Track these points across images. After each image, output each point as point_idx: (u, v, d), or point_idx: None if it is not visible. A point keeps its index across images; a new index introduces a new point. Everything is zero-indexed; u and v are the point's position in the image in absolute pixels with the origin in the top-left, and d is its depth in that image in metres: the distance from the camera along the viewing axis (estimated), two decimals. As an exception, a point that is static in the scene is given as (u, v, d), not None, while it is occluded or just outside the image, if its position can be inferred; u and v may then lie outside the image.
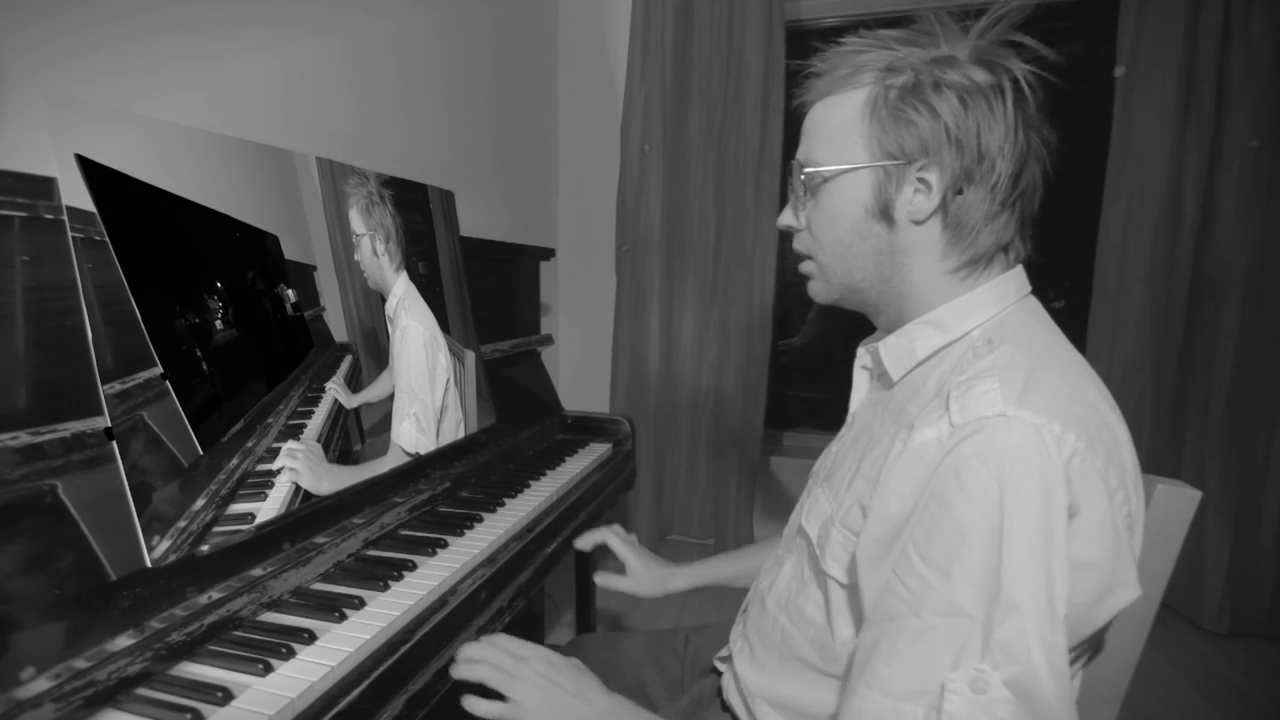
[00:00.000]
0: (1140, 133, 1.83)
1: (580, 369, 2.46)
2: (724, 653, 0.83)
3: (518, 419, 1.41)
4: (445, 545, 0.91)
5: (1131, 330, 1.90)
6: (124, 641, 0.58)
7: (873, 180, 0.61)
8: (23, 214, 0.61)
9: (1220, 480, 1.85)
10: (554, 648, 0.76)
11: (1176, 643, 1.83)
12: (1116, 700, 0.66)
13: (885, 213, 0.62)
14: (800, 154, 0.66)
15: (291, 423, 0.87)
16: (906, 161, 0.59)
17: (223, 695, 0.57)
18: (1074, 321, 2.15)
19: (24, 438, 0.58)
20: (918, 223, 0.61)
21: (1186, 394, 1.90)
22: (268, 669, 0.62)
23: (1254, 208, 1.77)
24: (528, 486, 1.17)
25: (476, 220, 1.70)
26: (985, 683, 0.47)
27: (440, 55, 1.68)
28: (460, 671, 0.67)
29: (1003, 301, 0.62)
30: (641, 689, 0.91)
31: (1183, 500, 0.63)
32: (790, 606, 0.70)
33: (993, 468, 0.49)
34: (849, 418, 0.76)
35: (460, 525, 0.97)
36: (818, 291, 0.70)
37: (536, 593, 1.60)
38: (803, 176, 0.66)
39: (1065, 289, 3.04)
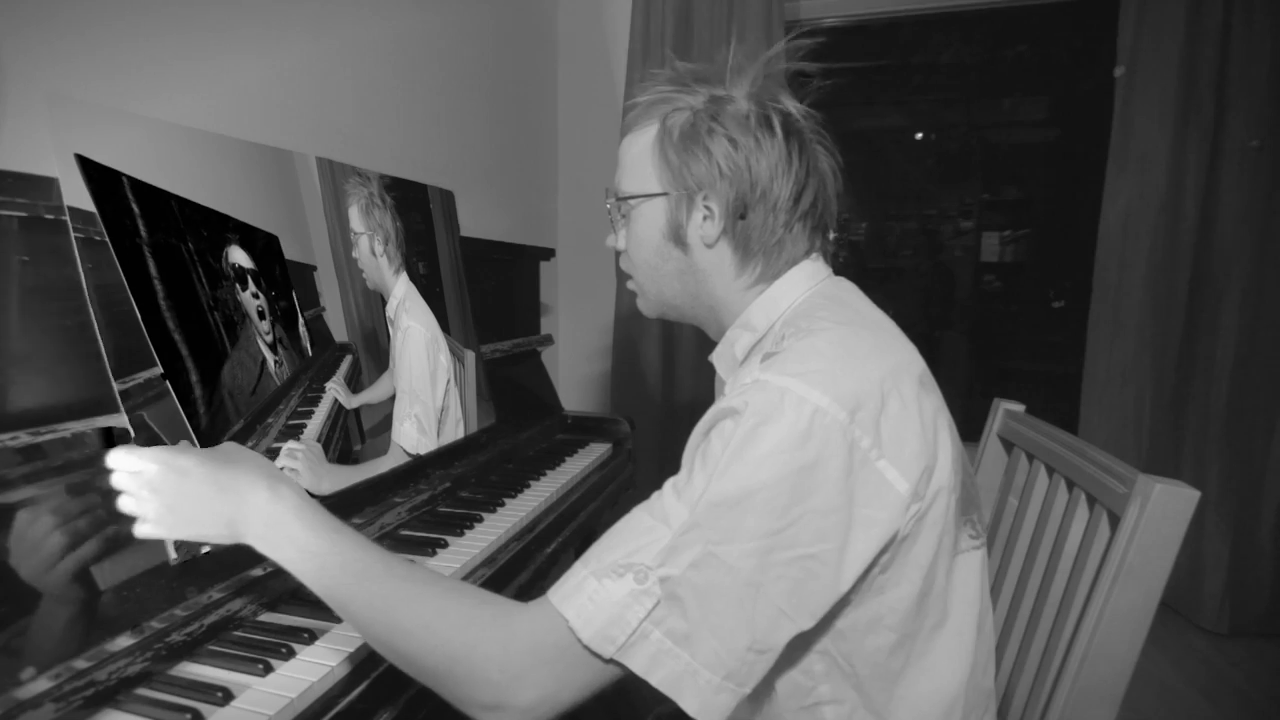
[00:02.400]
0: (1140, 133, 1.83)
1: (580, 369, 2.46)
2: None
3: (518, 419, 1.41)
4: (445, 545, 0.91)
5: (1131, 330, 1.90)
6: (124, 641, 0.58)
7: (666, 207, 0.67)
8: (22, 214, 0.61)
9: (1220, 480, 1.85)
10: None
11: (1176, 643, 1.83)
12: (1116, 700, 0.66)
13: (678, 237, 0.68)
14: (614, 182, 0.73)
15: (291, 423, 0.87)
16: (690, 191, 0.65)
17: (223, 695, 0.57)
18: (1074, 321, 2.15)
19: (24, 438, 0.58)
20: (709, 245, 0.67)
21: (1186, 394, 1.90)
22: (268, 669, 0.62)
23: (1254, 208, 1.77)
24: (528, 486, 1.17)
25: (476, 220, 1.70)
26: (645, 576, 0.50)
27: (440, 55, 1.68)
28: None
29: (795, 291, 0.67)
30: (639, 691, 0.91)
31: (1182, 500, 0.63)
32: None
33: (739, 418, 0.53)
34: None
35: (460, 525, 0.98)
36: (642, 307, 0.77)
37: (536, 593, 1.59)
38: (609, 204, 0.73)
39: (1065, 289, 3.04)
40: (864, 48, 2.57)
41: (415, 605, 0.52)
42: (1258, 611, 1.86)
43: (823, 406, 0.52)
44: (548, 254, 1.79)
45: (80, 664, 0.54)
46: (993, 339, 3.30)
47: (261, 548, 0.55)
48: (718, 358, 0.73)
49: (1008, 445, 0.99)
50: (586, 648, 0.50)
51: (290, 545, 0.54)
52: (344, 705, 0.61)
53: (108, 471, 0.56)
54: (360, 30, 1.39)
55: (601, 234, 0.72)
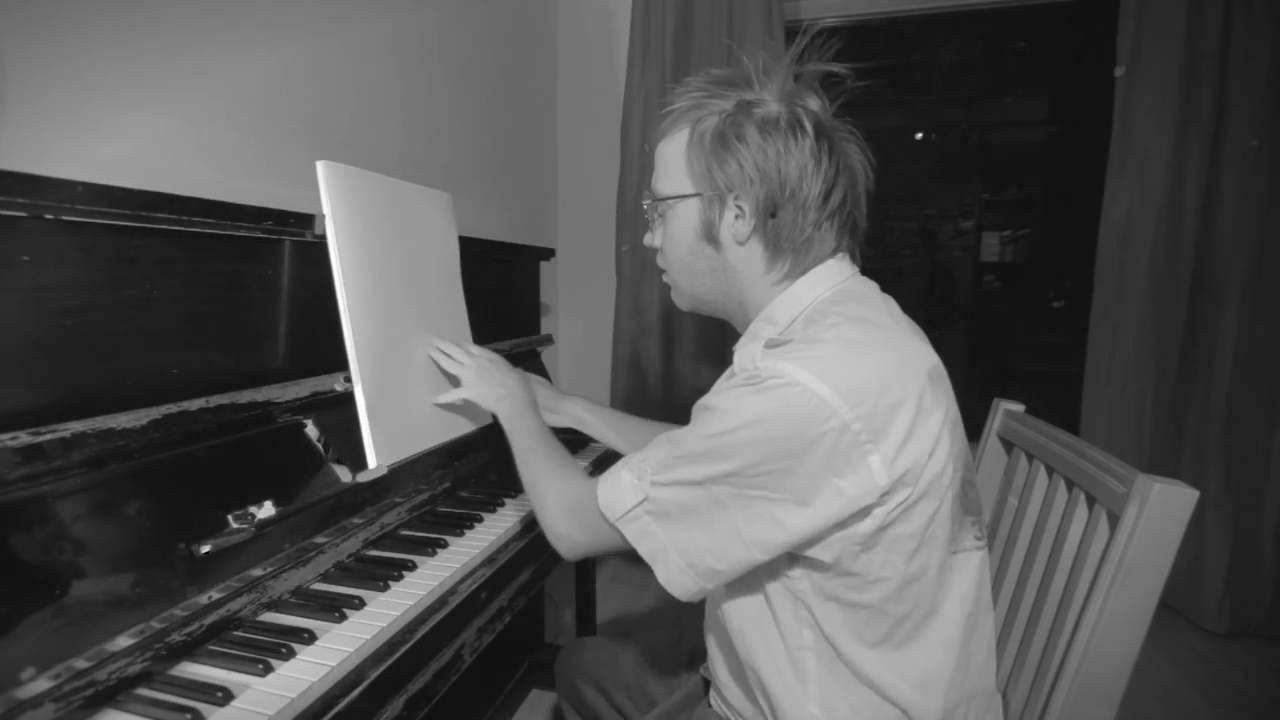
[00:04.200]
0: (1140, 133, 1.83)
1: (580, 369, 2.46)
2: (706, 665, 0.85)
3: (518, 419, 1.40)
4: (445, 545, 0.91)
5: (1132, 330, 1.90)
6: (124, 641, 0.58)
7: (699, 207, 0.71)
8: (23, 214, 0.61)
9: (1220, 480, 1.85)
10: (554, 648, 0.80)
11: (1176, 643, 1.83)
12: (1116, 700, 0.66)
13: (711, 236, 0.71)
14: (651, 184, 0.76)
15: (291, 423, 0.87)
16: (721, 192, 0.69)
17: (223, 695, 0.57)
18: (1074, 321, 2.15)
19: (24, 438, 0.58)
20: (740, 243, 0.70)
21: (1186, 394, 1.90)
22: (268, 669, 0.62)
23: (1254, 208, 1.77)
24: (528, 486, 1.17)
25: (476, 220, 1.70)
26: (643, 476, 0.65)
27: (440, 55, 1.68)
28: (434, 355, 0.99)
29: (818, 288, 0.70)
30: (641, 688, 0.92)
31: (1182, 500, 0.63)
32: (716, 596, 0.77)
33: (742, 384, 0.61)
34: None
35: (460, 525, 0.98)
36: (677, 301, 0.80)
37: (536, 593, 1.60)
38: (646, 204, 0.77)
39: (1065, 289, 3.04)
40: (864, 48, 2.56)
41: (544, 476, 0.80)
42: (1258, 611, 1.86)
43: (813, 388, 0.57)
44: (548, 254, 1.78)
45: (80, 664, 0.54)
46: (993, 339, 3.30)
47: (507, 416, 0.91)
48: (741, 350, 0.75)
49: (1008, 445, 1.00)
50: (600, 513, 0.68)
51: (522, 422, 0.89)
52: (344, 705, 0.61)
53: (446, 355, 0.99)
54: (361, 30, 1.39)
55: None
